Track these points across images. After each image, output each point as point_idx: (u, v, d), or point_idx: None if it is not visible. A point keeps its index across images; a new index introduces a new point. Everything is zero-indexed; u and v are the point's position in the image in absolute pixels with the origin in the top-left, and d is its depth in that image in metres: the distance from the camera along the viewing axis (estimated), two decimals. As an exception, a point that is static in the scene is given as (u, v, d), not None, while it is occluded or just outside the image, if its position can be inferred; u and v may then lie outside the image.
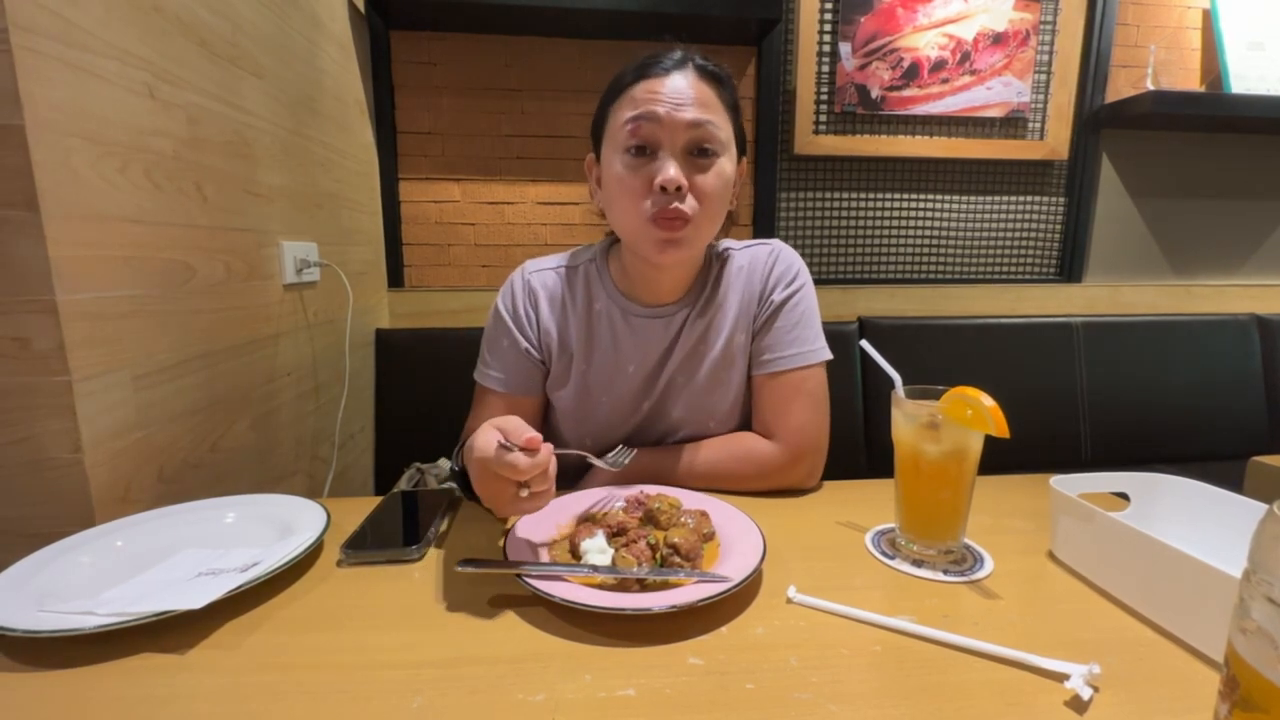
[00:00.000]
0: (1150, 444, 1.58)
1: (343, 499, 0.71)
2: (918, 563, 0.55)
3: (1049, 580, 0.53)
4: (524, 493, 0.51)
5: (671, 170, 0.65)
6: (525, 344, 0.77)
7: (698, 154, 0.67)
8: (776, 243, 0.81)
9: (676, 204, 0.66)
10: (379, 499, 0.68)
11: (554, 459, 0.53)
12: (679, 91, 0.66)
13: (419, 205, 1.52)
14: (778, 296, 0.77)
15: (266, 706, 0.38)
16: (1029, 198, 1.70)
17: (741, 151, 0.74)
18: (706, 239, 0.73)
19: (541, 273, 0.79)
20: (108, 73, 0.63)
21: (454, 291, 1.54)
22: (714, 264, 0.79)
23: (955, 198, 1.68)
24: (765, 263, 0.79)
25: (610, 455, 0.67)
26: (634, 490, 0.65)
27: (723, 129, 0.68)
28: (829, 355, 0.77)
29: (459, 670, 0.41)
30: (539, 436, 0.50)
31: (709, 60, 0.70)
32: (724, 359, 0.77)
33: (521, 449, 0.49)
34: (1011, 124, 1.64)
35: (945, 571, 0.54)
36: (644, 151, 0.67)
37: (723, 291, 0.78)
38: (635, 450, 0.68)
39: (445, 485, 0.83)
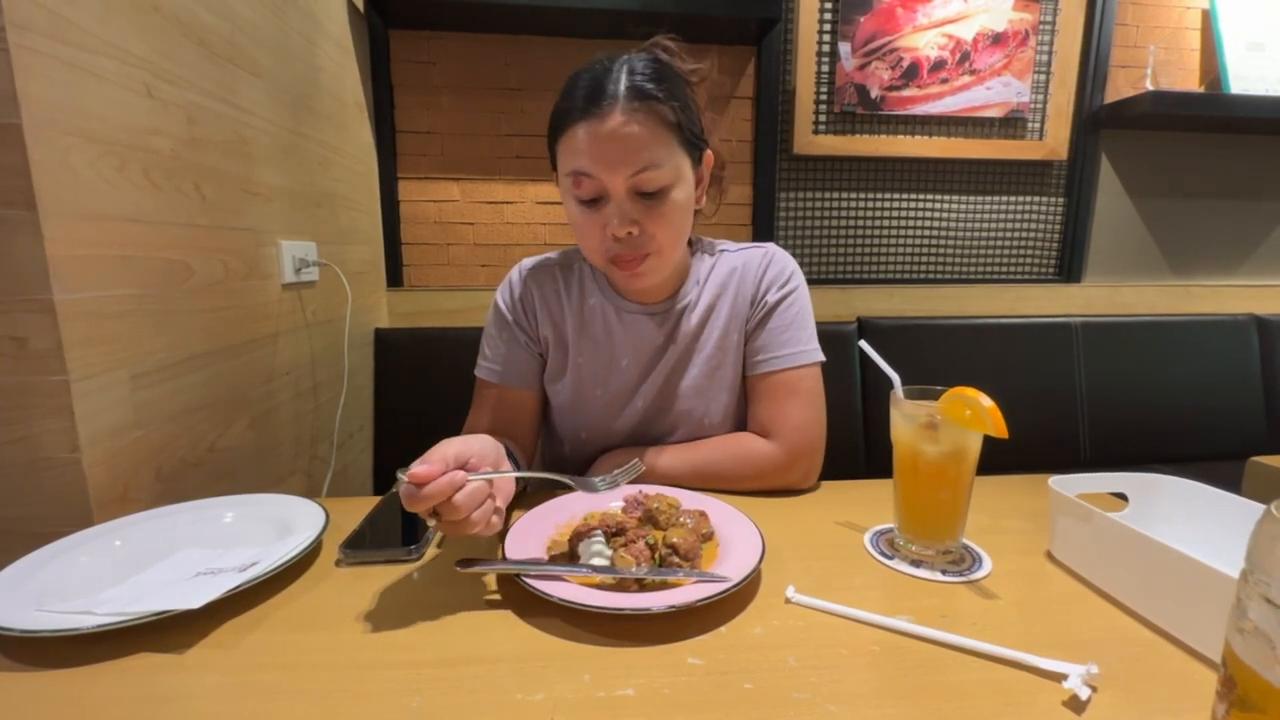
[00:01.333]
0: (1149, 444, 1.58)
1: (341, 499, 0.71)
2: (916, 563, 0.55)
3: (1047, 580, 0.53)
4: (431, 521, 0.48)
5: (616, 221, 0.66)
6: (523, 337, 0.78)
7: (645, 196, 0.66)
8: (770, 246, 0.82)
9: (631, 247, 0.67)
10: (378, 498, 0.68)
11: (473, 490, 0.48)
12: (615, 136, 0.63)
13: (418, 205, 1.52)
14: (772, 298, 0.77)
15: (265, 706, 0.38)
16: (1028, 198, 1.70)
17: (701, 149, 0.71)
18: (672, 260, 0.73)
19: (537, 269, 0.81)
20: (106, 72, 0.63)
21: (453, 291, 1.54)
22: (707, 262, 0.80)
23: (954, 198, 1.68)
24: (759, 265, 0.79)
25: (604, 476, 0.58)
26: (633, 490, 0.64)
27: (667, 162, 0.65)
28: (822, 357, 0.77)
29: (458, 670, 0.41)
30: (429, 471, 0.46)
31: (646, 75, 0.65)
32: (717, 358, 0.78)
33: (409, 478, 0.46)
34: (1011, 124, 1.64)
35: (944, 571, 0.54)
36: (592, 200, 0.67)
37: (716, 291, 0.78)
38: (634, 471, 0.60)
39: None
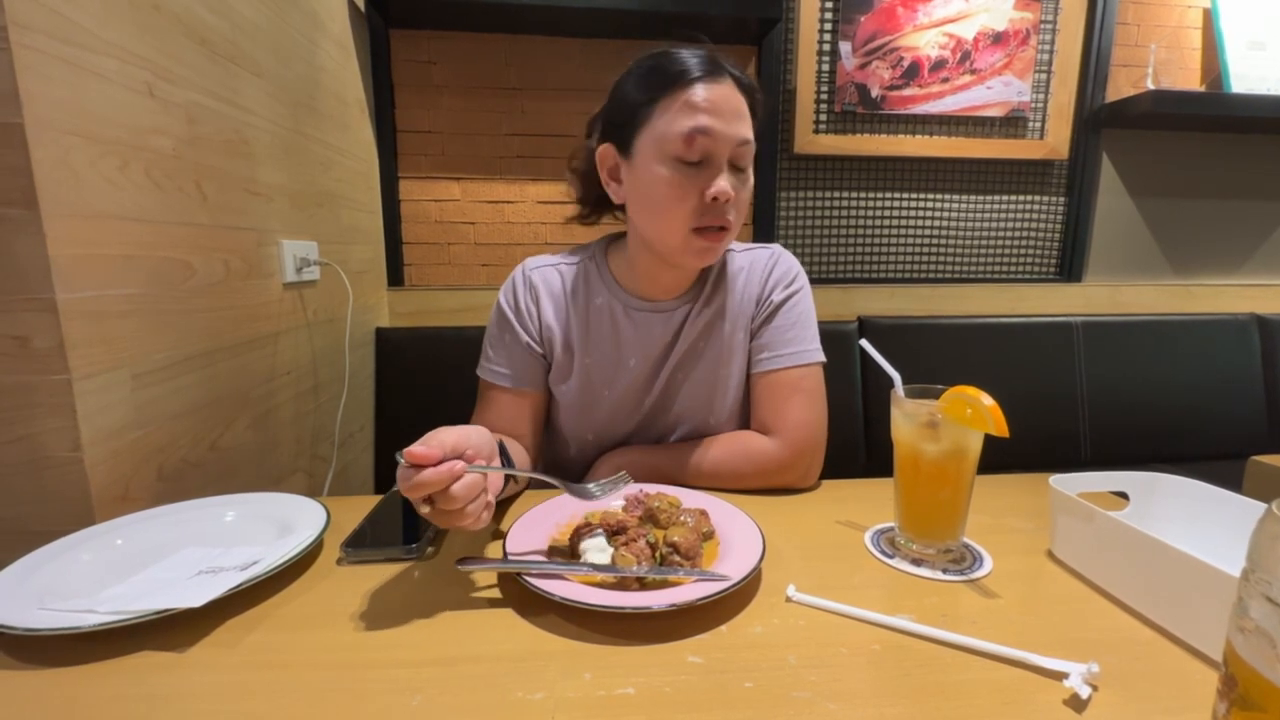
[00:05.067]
0: (1150, 443, 1.58)
1: (342, 498, 0.71)
2: (917, 562, 0.55)
3: (1048, 579, 0.53)
4: (424, 509, 0.48)
5: (724, 183, 0.66)
6: (526, 338, 0.78)
7: (735, 168, 0.68)
8: (776, 247, 0.82)
9: (718, 215, 0.68)
10: (379, 497, 0.68)
11: (470, 481, 0.48)
12: (730, 105, 0.66)
13: (419, 204, 1.52)
14: (777, 297, 0.78)
15: (266, 704, 0.38)
16: (1029, 197, 1.70)
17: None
18: (732, 240, 0.74)
19: (542, 269, 0.80)
20: (107, 71, 0.63)
21: (454, 290, 1.54)
22: (715, 263, 0.80)
23: (955, 197, 1.68)
24: (765, 265, 0.80)
25: (596, 484, 0.58)
26: (634, 489, 0.64)
27: (752, 143, 0.69)
28: (824, 359, 0.78)
29: (458, 669, 0.41)
30: (428, 453, 0.46)
31: (740, 69, 0.69)
32: (723, 357, 0.78)
33: (409, 461, 0.45)
34: (1012, 123, 1.64)
35: (944, 570, 0.54)
36: (697, 162, 0.67)
37: (723, 290, 0.79)
38: (623, 482, 0.59)
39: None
